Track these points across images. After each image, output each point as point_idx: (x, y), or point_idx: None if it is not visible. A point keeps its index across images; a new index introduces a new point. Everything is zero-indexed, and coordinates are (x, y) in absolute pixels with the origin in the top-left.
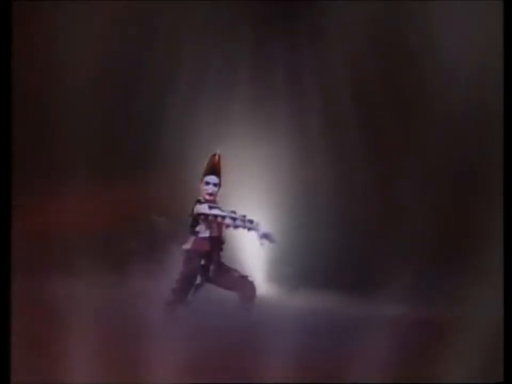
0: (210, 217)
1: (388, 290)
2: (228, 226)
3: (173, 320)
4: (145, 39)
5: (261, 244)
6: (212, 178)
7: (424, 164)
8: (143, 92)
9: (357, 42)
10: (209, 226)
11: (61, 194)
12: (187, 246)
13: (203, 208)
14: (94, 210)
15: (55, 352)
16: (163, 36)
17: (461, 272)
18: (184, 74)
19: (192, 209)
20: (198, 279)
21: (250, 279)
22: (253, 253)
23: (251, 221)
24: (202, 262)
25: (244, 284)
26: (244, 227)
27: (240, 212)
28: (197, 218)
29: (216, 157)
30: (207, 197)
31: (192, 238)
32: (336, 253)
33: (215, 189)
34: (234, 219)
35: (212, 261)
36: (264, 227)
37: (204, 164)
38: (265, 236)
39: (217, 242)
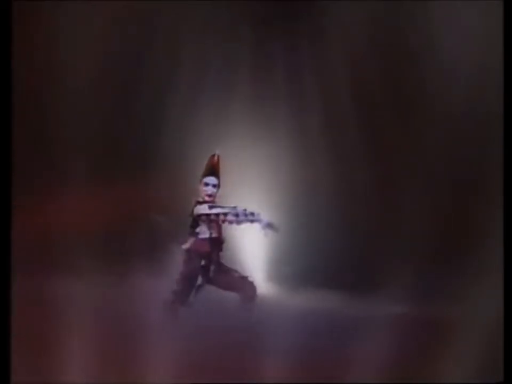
0: (212, 217)
1: (387, 290)
2: (231, 222)
3: (173, 320)
4: (145, 39)
5: (265, 234)
6: (211, 179)
7: (424, 164)
8: (143, 92)
9: (357, 42)
10: (209, 227)
11: (61, 194)
12: (187, 246)
13: (203, 209)
14: (94, 210)
15: (55, 352)
16: (163, 35)
17: (461, 272)
18: (184, 74)
19: (192, 210)
20: (199, 280)
21: (250, 279)
22: (253, 253)
23: (252, 213)
24: (203, 262)
25: (244, 284)
26: (247, 220)
27: None
28: (198, 219)
29: (215, 158)
30: (206, 198)
31: (192, 239)
32: (336, 253)
33: (214, 190)
34: (236, 215)
35: (212, 261)
36: (266, 217)
37: (203, 164)
38: (268, 226)
39: (217, 243)
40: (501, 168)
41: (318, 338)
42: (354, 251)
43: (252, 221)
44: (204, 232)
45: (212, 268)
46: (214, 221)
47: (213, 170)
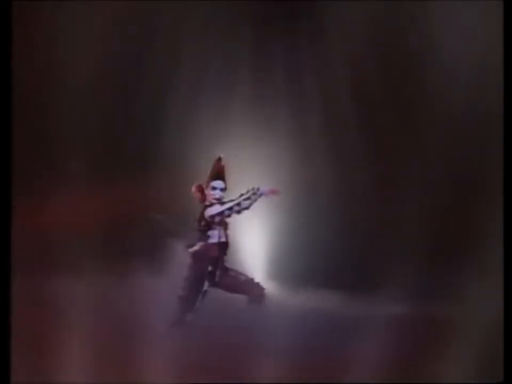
0: (226, 213)
1: (387, 290)
2: (247, 208)
3: (180, 326)
4: (145, 39)
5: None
6: (219, 183)
7: (424, 163)
8: (143, 92)
9: (357, 42)
10: (220, 231)
11: (61, 194)
12: (195, 250)
13: (216, 209)
14: (94, 210)
15: (55, 352)
16: (163, 35)
17: (461, 272)
18: (184, 74)
19: (201, 214)
20: (205, 285)
21: (257, 281)
22: (253, 253)
23: (257, 189)
24: (210, 268)
25: (251, 286)
26: (256, 199)
27: None
28: (211, 220)
29: (221, 161)
30: (214, 202)
31: (200, 243)
32: (336, 253)
33: (222, 193)
34: (248, 198)
35: (218, 266)
36: (265, 187)
37: (204, 164)
38: (271, 192)
39: (224, 248)
40: (501, 168)
41: (318, 338)
42: (354, 251)
43: (259, 196)
44: (214, 236)
45: (218, 272)
46: (223, 223)
47: (219, 174)
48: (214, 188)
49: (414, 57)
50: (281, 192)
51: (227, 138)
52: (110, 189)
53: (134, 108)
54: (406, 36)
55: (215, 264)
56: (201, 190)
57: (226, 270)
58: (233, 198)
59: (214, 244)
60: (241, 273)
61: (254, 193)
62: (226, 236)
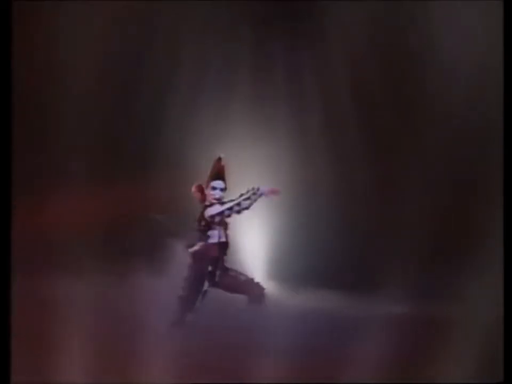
0: (226, 213)
1: (388, 290)
2: (247, 208)
3: (180, 326)
4: (145, 39)
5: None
6: (219, 183)
7: (424, 164)
8: (143, 92)
9: (357, 42)
10: (220, 231)
11: (61, 194)
12: (194, 250)
13: (216, 209)
14: (94, 210)
15: (55, 352)
16: (163, 35)
17: (461, 272)
18: (184, 74)
19: (201, 214)
20: (205, 285)
21: (257, 280)
22: (253, 253)
23: (257, 189)
24: (210, 268)
25: (251, 286)
26: (256, 199)
27: None
28: (211, 220)
29: (221, 161)
30: (214, 202)
31: (200, 243)
32: (336, 253)
33: (222, 193)
34: (248, 198)
35: (218, 266)
36: (265, 187)
37: (204, 164)
38: (271, 192)
39: (224, 248)
40: (501, 168)
41: (318, 338)
42: (354, 251)
43: (259, 196)
44: (214, 236)
45: (218, 272)
46: (223, 223)
47: (219, 174)
48: (214, 188)
49: (414, 57)
50: (281, 192)
51: (227, 138)
52: (110, 189)
53: (134, 108)
54: (406, 36)
55: (215, 264)
56: (201, 190)
57: (226, 270)
58: (233, 198)
59: (214, 244)
60: (241, 273)
61: (254, 193)
62: (226, 236)
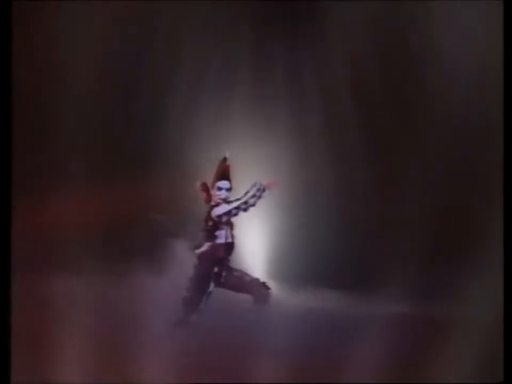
0: (233, 212)
1: (388, 290)
2: (253, 205)
3: (183, 326)
4: (145, 39)
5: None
6: (224, 184)
7: (424, 163)
8: (143, 92)
9: (357, 42)
10: (227, 231)
11: (61, 194)
12: (201, 251)
13: (223, 208)
14: (94, 210)
15: (55, 352)
16: (163, 35)
17: (461, 272)
18: (184, 74)
19: (208, 214)
20: (211, 286)
21: (262, 280)
22: (253, 253)
23: (258, 187)
24: (216, 269)
25: (257, 286)
26: (261, 194)
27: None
28: (219, 220)
29: (226, 161)
30: (220, 202)
31: (207, 244)
32: (336, 253)
33: (228, 194)
34: (253, 196)
35: (224, 266)
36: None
37: (204, 164)
38: (271, 184)
39: (230, 248)
40: (501, 168)
41: (318, 338)
42: (354, 251)
43: (263, 191)
44: (221, 236)
45: (223, 273)
46: (229, 223)
47: (225, 174)
48: (219, 188)
49: (414, 57)
50: (281, 192)
51: (227, 138)
52: (110, 189)
53: (134, 108)
54: (406, 36)
55: (221, 264)
56: (206, 189)
57: (231, 270)
58: (238, 197)
59: (220, 245)
60: (246, 273)
61: (258, 189)
62: (233, 237)
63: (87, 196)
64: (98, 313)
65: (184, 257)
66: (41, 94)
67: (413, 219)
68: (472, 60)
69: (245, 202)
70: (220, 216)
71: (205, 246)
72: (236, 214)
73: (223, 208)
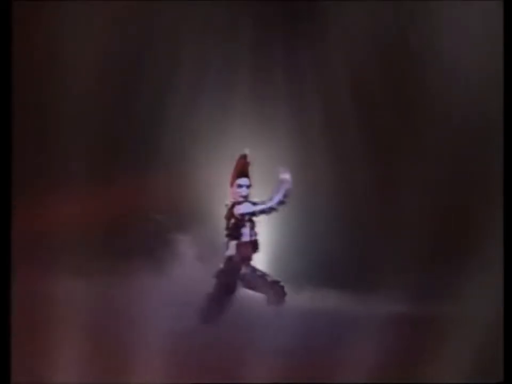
0: (257, 214)
1: (387, 290)
2: (274, 210)
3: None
4: (145, 39)
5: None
6: (245, 181)
7: (424, 163)
8: (143, 92)
9: (357, 42)
10: (251, 229)
11: (61, 194)
12: (230, 252)
13: (247, 207)
14: (94, 210)
15: (55, 352)
16: (163, 36)
17: (461, 272)
18: (184, 74)
19: (229, 211)
20: (238, 286)
21: (281, 284)
22: None
23: (286, 192)
24: (243, 270)
25: (275, 288)
26: (283, 202)
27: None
28: (241, 218)
29: (246, 158)
30: (241, 200)
31: (233, 243)
32: (336, 253)
33: (248, 191)
34: (281, 202)
35: (248, 265)
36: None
37: (203, 164)
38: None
39: (255, 246)
40: (501, 168)
41: (318, 338)
42: (354, 251)
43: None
44: (245, 234)
45: (248, 272)
46: (251, 221)
47: (244, 171)
48: (240, 186)
49: (414, 57)
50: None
51: (227, 138)
52: (110, 189)
53: (134, 108)
54: (406, 36)
55: (247, 263)
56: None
57: (254, 270)
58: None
59: (246, 242)
60: (268, 275)
61: (285, 195)
62: (256, 234)
63: (87, 195)
64: (99, 313)
65: (184, 258)
66: (41, 94)
67: (413, 219)
68: (472, 60)
69: (272, 208)
70: (243, 215)
71: (232, 247)
72: (257, 216)
73: (247, 207)
